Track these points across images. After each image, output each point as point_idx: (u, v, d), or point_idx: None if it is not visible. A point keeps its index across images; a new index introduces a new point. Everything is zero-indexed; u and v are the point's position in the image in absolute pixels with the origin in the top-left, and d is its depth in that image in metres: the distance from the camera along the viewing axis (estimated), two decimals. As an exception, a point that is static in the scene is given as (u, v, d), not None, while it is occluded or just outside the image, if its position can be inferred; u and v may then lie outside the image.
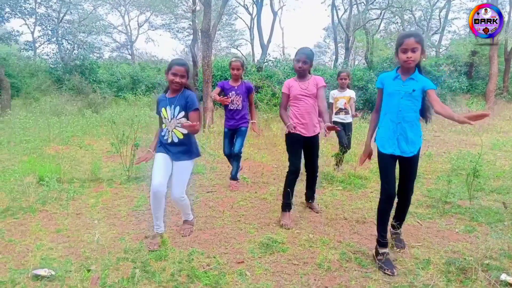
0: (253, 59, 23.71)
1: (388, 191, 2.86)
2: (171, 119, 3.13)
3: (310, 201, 4.15)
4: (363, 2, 21.89)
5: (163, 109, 3.15)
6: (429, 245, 3.27)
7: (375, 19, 22.34)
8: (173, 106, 3.12)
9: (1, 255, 2.97)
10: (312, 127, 3.71)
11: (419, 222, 3.79)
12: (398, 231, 3.20)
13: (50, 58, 19.67)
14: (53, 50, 19.95)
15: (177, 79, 3.05)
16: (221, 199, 4.47)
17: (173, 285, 2.58)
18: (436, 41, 23.02)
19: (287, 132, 3.62)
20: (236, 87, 4.82)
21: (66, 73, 16.25)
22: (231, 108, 4.82)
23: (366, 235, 3.48)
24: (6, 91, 11.78)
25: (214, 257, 3.00)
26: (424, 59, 2.85)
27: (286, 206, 3.77)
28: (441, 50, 23.20)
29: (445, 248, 3.19)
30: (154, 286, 2.57)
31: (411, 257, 3.02)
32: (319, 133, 3.80)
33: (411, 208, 4.10)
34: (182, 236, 3.37)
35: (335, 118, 5.73)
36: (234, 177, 4.94)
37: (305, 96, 3.66)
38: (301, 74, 3.71)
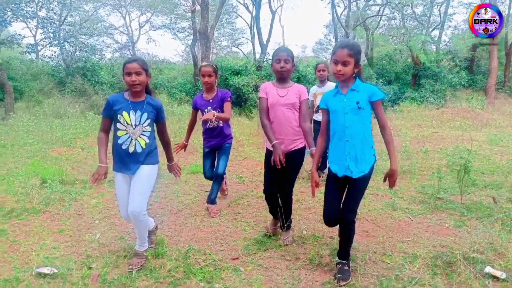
0: (254, 58, 23.80)
1: (328, 214, 2.70)
2: (136, 125, 2.78)
3: (282, 229, 3.41)
4: (362, -1, 21.92)
5: (124, 113, 2.75)
6: (418, 240, 3.37)
7: (374, 15, 22.35)
8: (139, 112, 2.78)
9: (6, 255, 3.10)
10: (291, 142, 3.11)
11: (410, 218, 3.90)
12: (344, 261, 2.79)
13: (52, 60, 19.91)
14: (55, 52, 20.25)
15: (133, 78, 2.69)
16: (218, 198, 4.58)
17: (169, 281, 2.70)
18: (436, 36, 23.01)
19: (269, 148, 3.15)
20: (211, 101, 3.96)
21: (68, 75, 16.43)
22: (210, 126, 4.02)
23: (358, 231, 3.55)
24: (9, 94, 11.96)
25: (210, 254, 3.12)
26: (355, 71, 2.55)
27: (272, 215, 3.44)
28: (441, 45, 23.18)
29: (433, 242, 3.29)
30: (152, 282, 2.69)
31: (399, 252, 3.13)
32: (303, 148, 3.17)
33: (403, 204, 4.23)
34: (129, 270, 2.81)
35: (315, 116, 5.26)
36: (213, 201, 4.12)
37: (282, 105, 3.06)
38: (283, 77, 3.11)
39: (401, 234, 3.50)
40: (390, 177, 2.57)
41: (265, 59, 16.69)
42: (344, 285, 2.62)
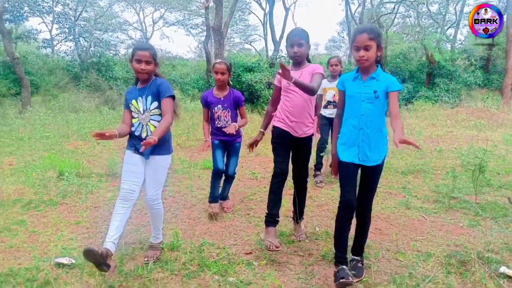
0: (267, 55, 23.78)
1: (346, 198, 2.57)
2: (144, 111, 2.79)
3: (297, 221, 3.37)
4: (377, -4, 21.72)
5: (133, 101, 2.80)
6: (432, 238, 3.36)
7: (389, 13, 22.14)
8: (144, 96, 2.78)
9: (26, 245, 3.19)
10: (304, 126, 3.06)
11: (424, 217, 3.88)
12: (358, 257, 2.80)
13: (67, 55, 20.18)
14: (70, 47, 20.48)
15: (142, 66, 2.69)
16: (231, 193, 4.60)
17: (184, 273, 2.75)
18: (451, 35, 22.69)
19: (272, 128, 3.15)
20: (222, 99, 3.87)
21: (83, 70, 16.65)
22: (219, 125, 3.92)
23: (371, 229, 3.50)
24: (26, 88, 12.18)
25: (224, 248, 3.16)
26: (379, 54, 2.48)
27: (270, 219, 3.05)
28: (456, 44, 22.86)
29: (447, 241, 3.28)
30: (167, 274, 2.74)
31: (413, 250, 3.13)
32: (312, 135, 3.18)
33: (417, 203, 4.22)
34: (145, 262, 2.86)
35: (322, 112, 5.23)
36: (225, 197, 4.17)
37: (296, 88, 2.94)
38: (297, 61, 3.03)
39: (414, 232, 3.50)
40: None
41: (278, 56, 16.66)
42: (357, 282, 2.63)
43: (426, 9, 21.39)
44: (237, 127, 3.78)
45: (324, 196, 4.52)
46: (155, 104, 2.77)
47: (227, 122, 3.88)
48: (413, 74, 18.19)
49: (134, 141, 2.82)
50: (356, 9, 23.89)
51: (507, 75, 15.07)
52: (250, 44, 33.84)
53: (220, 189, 4.10)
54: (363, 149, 2.52)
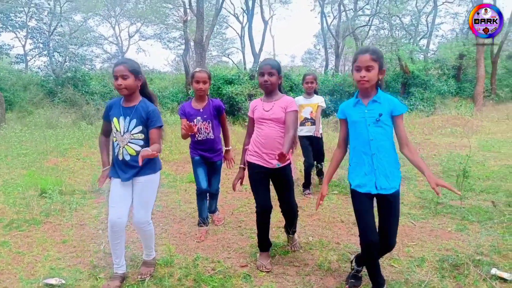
0: (245, 67, 23.92)
1: (368, 238, 2.39)
2: (124, 133, 2.64)
3: (289, 234, 3.36)
4: (351, 9, 22.28)
5: (114, 119, 2.66)
6: (423, 244, 3.42)
7: (363, 25, 22.74)
8: (128, 118, 2.64)
9: (10, 266, 3.05)
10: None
11: (413, 223, 3.94)
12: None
13: (41, 71, 19.74)
14: (44, 63, 20.05)
15: (119, 81, 2.55)
16: (221, 206, 4.58)
17: (181, 289, 2.69)
18: (424, 45, 23.46)
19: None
20: (201, 110, 3.60)
21: (58, 85, 16.31)
22: (199, 139, 3.63)
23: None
24: (0, 105, 11.81)
25: (219, 262, 3.11)
26: (380, 77, 2.37)
27: (263, 245, 3.11)
28: (429, 54, 23.64)
29: (438, 246, 3.34)
30: (163, 291, 2.67)
31: (406, 256, 3.17)
32: (289, 164, 3.01)
33: (404, 209, 4.29)
34: (140, 280, 2.79)
35: (299, 131, 4.80)
36: (213, 211, 4.06)
37: (268, 120, 2.93)
38: (268, 90, 2.97)
39: (405, 238, 3.55)
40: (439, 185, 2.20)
41: (258, 68, 16.81)
42: None
43: (399, 21, 22.07)
44: (229, 155, 3.84)
45: (313, 205, 4.53)
46: (139, 128, 2.65)
47: (208, 134, 3.61)
48: (388, 84, 18.68)
49: (116, 165, 2.71)
50: (332, 22, 24.45)
51: (478, 83, 15.67)
52: (228, 57, 34.05)
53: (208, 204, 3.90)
54: (380, 177, 2.36)
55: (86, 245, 3.48)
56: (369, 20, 22.40)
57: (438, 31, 27.37)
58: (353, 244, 3.43)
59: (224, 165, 3.89)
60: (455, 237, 3.55)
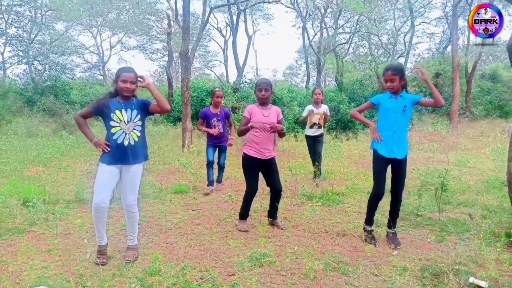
0: (227, 80, 24.10)
1: (379, 190, 3.67)
2: (128, 121, 3.21)
3: (272, 218, 4.33)
4: (332, 27, 22.85)
5: (117, 112, 3.18)
6: (405, 254, 3.54)
7: (344, 43, 23.32)
8: (129, 110, 3.22)
9: (-6, 275, 3.01)
10: (269, 152, 4.08)
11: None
12: (394, 230, 3.82)
13: (20, 79, 19.37)
14: (23, 71, 19.71)
15: (128, 85, 3.15)
16: (207, 216, 4.62)
17: (170, 297, 2.71)
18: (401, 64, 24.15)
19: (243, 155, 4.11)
20: (217, 113, 5.76)
21: (37, 94, 16.03)
22: (216, 135, 5.69)
23: (347, 247, 3.72)
24: (-23, 113, 11.53)
25: (207, 271, 3.14)
26: (403, 83, 3.58)
27: (244, 215, 4.26)
28: (406, 72, 24.34)
29: (419, 256, 3.47)
30: (152, 299, 2.69)
31: (389, 265, 3.28)
32: (274, 156, 4.17)
33: (385, 221, 4.38)
34: (126, 262, 3.26)
35: (307, 132, 6.51)
36: (220, 181, 6.12)
37: (266, 123, 3.90)
38: (264, 102, 4.03)
39: (387, 248, 3.66)
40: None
41: (241, 81, 16.96)
42: (398, 249, 3.62)
43: (378, 40, 22.73)
44: (232, 144, 5.93)
45: (298, 217, 4.62)
46: (138, 117, 3.28)
47: (220, 130, 5.73)
48: (366, 100, 19.11)
49: (116, 153, 3.19)
50: (313, 38, 24.95)
51: (454, 101, 16.19)
52: (211, 70, 34.19)
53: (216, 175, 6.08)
54: (395, 147, 3.60)
55: (72, 254, 3.45)
56: (349, 38, 23.00)
57: (415, 50, 28.32)
58: (337, 253, 3.52)
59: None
60: (435, 248, 3.69)
